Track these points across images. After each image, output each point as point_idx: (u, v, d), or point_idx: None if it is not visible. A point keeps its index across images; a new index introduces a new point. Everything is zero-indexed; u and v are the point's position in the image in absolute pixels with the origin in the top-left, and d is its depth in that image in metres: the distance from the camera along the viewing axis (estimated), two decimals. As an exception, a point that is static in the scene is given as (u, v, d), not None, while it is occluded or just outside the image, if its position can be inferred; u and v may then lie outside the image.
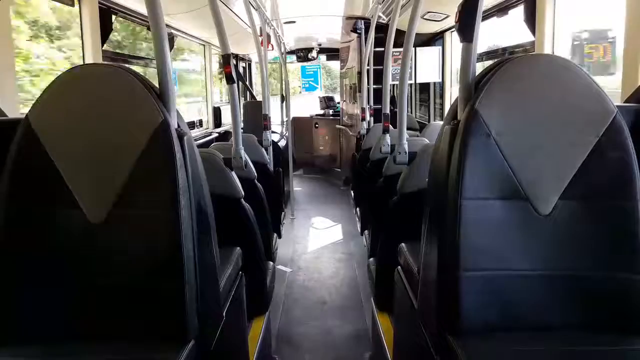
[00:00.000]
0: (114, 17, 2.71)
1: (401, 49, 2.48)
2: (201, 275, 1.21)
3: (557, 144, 1.16)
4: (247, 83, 6.95)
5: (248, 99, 6.55)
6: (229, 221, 1.84)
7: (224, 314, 1.49)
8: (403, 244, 1.79)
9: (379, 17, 4.27)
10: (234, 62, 2.09)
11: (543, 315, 1.16)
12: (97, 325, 1.18)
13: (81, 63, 2.45)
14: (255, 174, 2.61)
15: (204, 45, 5.11)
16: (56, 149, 1.19)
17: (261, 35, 3.97)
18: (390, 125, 2.86)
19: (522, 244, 1.15)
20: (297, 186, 6.71)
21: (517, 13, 2.61)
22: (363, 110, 4.54)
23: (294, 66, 8.57)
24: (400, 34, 2.83)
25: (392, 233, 2.15)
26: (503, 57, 1.32)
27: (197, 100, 5.26)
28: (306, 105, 8.98)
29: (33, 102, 1.22)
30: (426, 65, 4.27)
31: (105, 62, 2.54)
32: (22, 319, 1.17)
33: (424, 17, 3.83)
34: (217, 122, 5.34)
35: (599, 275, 1.15)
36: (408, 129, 2.60)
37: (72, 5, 2.40)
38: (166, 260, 1.16)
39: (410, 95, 5.57)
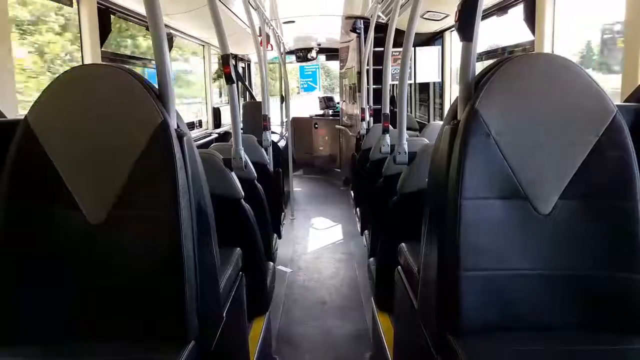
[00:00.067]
0: (112, 17, 2.71)
1: (401, 49, 2.48)
2: (201, 275, 1.21)
3: (557, 144, 1.16)
4: (247, 83, 6.95)
5: (247, 100, 6.55)
6: (229, 222, 1.84)
7: (224, 314, 1.48)
8: (403, 244, 1.79)
9: (379, 16, 4.26)
10: (233, 63, 2.08)
11: (543, 314, 1.16)
12: (97, 325, 1.18)
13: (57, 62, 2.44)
14: (255, 175, 2.61)
15: (203, 45, 5.10)
16: (55, 150, 1.19)
17: (260, 35, 3.96)
18: (390, 125, 2.86)
19: (522, 243, 1.15)
20: (297, 186, 6.70)
21: (517, 12, 2.61)
22: (363, 110, 4.54)
23: (291, 66, 8.55)
24: (399, 33, 2.83)
25: (392, 233, 2.14)
26: (503, 57, 1.31)
27: (193, 101, 5.25)
28: (305, 106, 8.96)
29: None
30: (426, 65, 4.26)
31: (105, 63, 2.54)
32: (22, 319, 1.17)
33: (424, 16, 3.83)
34: (217, 123, 5.34)
35: (599, 274, 1.15)
36: (408, 129, 2.61)
37: (71, 5, 2.40)
38: (166, 261, 1.16)
39: (410, 95, 5.57)
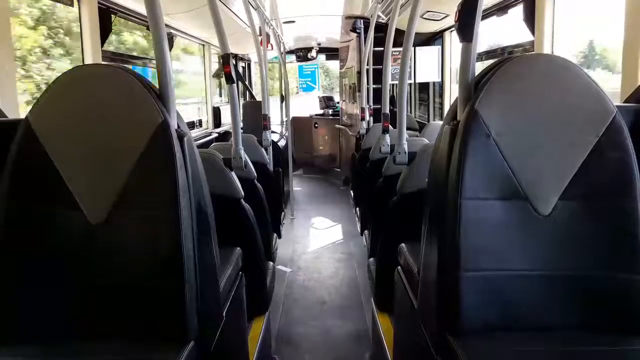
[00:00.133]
0: (113, 17, 2.71)
1: (400, 49, 2.48)
2: (201, 275, 1.21)
3: (556, 144, 1.16)
4: (247, 83, 6.94)
5: (248, 99, 6.55)
6: (229, 221, 1.84)
7: (224, 314, 1.49)
8: (403, 244, 1.79)
9: (379, 16, 4.26)
10: (234, 62, 2.08)
11: (543, 315, 1.16)
12: (97, 325, 1.18)
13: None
14: (255, 174, 2.61)
15: (203, 45, 5.10)
16: (56, 150, 1.19)
17: (260, 34, 3.96)
18: (389, 125, 2.86)
19: (522, 244, 1.15)
20: (297, 186, 6.70)
21: (517, 12, 2.61)
22: (362, 110, 4.54)
23: (290, 66, 8.52)
24: (399, 33, 2.83)
25: (392, 233, 2.15)
26: (502, 57, 1.32)
27: (190, 102, 5.23)
28: (305, 105, 8.95)
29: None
30: (426, 64, 4.26)
31: (105, 63, 2.54)
32: (22, 319, 1.17)
33: (424, 16, 3.83)
34: (217, 122, 5.34)
35: (599, 275, 1.15)
36: (407, 129, 2.60)
37: (72, 5, 2.40)
38: (166, 261, 1.16)
39: (410, 95, 5.57)
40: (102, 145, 1.19)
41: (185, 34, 4.39)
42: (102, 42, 2.53)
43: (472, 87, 1.22)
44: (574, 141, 1.15)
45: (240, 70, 6.70)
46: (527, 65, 1.19)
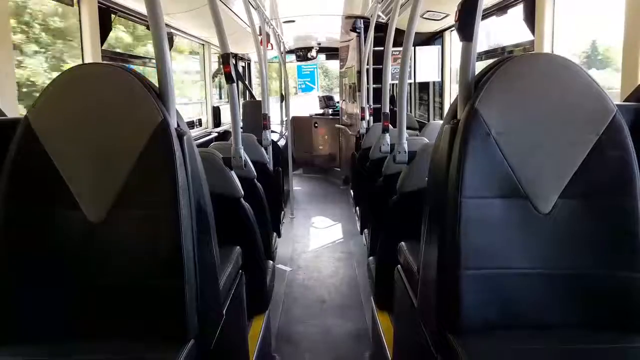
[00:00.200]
0: (113, 16, 2.71)
1: (400, 48, 2.48)
2: (201, 274, 1.21)
3: (557, 143, 1.16)
4: (247, 82, 6.94)
5: (247, 99, 6.55)
6: (229, 220, 1.84)
7: (224, 312, 1.49)
8: (403, 243, 1.79)
9: (379, 16, 4.26)
10: (234, 62, 2.08)
11: (543, 313, 1.16)
12: (97, 324, 1.18)
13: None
14: (255, 174, 2.61)
15: (203, 44, 5.10)
16: (56, 149, 1.19)
17: (260, 34, 3.96)
18: (389, 125, 2.86)
19: (522, 242, 1.15)
20: (297, 185, 6.70)
21: (517, 12, 2.61)
22: (362, 109, 4.54)
23: (288, 66, 8.49)
24: (399, 33, 2.83)
25: (391, 232, 2.15)
26: (502, 56, 1.32)
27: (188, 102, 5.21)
28: (305, 105, 8.94)
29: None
30: (426, 64, 4.26)
31: (105, 62, 2.54)
32: (22, 319, 1.17)
33: (424, 16, 3.83)
34: (217, 122, 5.34)
35: (599, 273, 1.15)
36: (407, 128, 2.60)
37: (72, 5, 2.40)
38: (166, 260, 1.16)
39: (410, 94, 5.57)
40: (102, 144, 1.19)
41: (185, 33, 4.39)
42: (102, 42, 2.53)
43: (472, 86, 1.22)
44: (574, 140, 1.16)
45: (240, 69, 6.69)
46: (527, 65, 1.19)
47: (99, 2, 2.50)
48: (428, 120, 4.79)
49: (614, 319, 1.15)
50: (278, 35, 5.23)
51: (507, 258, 1.15)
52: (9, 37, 1.82)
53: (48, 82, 1.25)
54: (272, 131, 4.52)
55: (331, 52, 7.84)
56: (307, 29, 6.59)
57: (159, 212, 1.15)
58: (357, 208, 4.35)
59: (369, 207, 3.20)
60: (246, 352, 1.94)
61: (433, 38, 4.63)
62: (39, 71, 2.60)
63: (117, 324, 1.18)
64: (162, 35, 1.23)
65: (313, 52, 7.82)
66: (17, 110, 1.81)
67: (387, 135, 2.80)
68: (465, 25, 1.21)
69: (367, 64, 4.47)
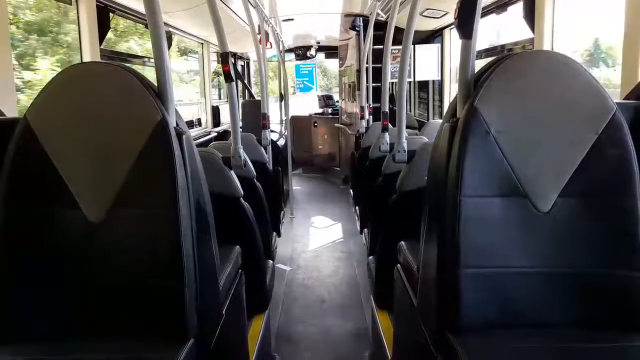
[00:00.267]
0: (111, 15, 2.70)
1: (400, 47, 2.48)
2: (201, 273, 1.21)
3: (556, 141, 1.16)
4: (246, 82, 6.93)
5: (247, 98, 6.54)
6: (229, 220, 1.84)
7: (224, 312, 1.48)
8: (402, 242, 1.79)
9: (378, 14, 4.25)
10: (232, 61, 2.08)
11: (542, 312, 1.16)
12: (97, 324, 1.18)
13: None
14: (255, 173, 2.61)
15: (202, 43, 5.09)
16: (55, 148, 1.18)
17: (259, 33, 3.95)
18: (389, 124, 2.86)
19: (522, 241, 1.15)
20: (296, 185, 6.70)
21: (517, 10, 2.60)
22: (362, 108, 4.54)
23: (287, 65, 8.43)
24: (399, 31, 2.82)
25: (391, 231, 2.15)
26: (502, 54, 1.31)
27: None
28: (304, 105, 8.93)
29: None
30: (425, 62, 4.26)
31: (104, 61, 2.53)
32: (22, 318, 1.17)
33: (423, 14, 3.83)
34: (216, 122, 5.33)
35: (598, 272, 1.15)
36: (407, 127, 2.60)
37: (70, 3, 2.39)
38: (166, 259, 1.16)
39: (409, 93, 5.56)
40: (101, 143, 1.19)
41: (184, 32, 4.38)
42: (101, 41, 2.52)
43: (472, 85, 1.21)
44: (573, 138, 1.15)
45: (240, 69, 6.69)
46: (527, 62, 1.19)
47: (97, 1, 2.49)
48: (427, 119, 4.79)
49: (613, 318, 1.14)
50: (277, 33, 5.22)
51: (506, 257, 1.15)
52: (8, 37, 1.81)
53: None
54: (272, 131, 4.52)
55: (330, 51, 7.83)
56: (306, 27, 6.58)
57: (159, 212, 1.15)
58: (357, 207, 4.34)
59: (369, 206, 3.20)
60: (246, 351, 1.94)
61: (432, 36, 4.62)
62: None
63: (116, 323, 1.18)
64: (161, 34, 1.22)
65: (312, 51, 7.81)
66: (15, 110, 1.81)
67: (387, 135, 2.80)
68: (465, 23, 1.20)
69: (367, 63, 4.46)
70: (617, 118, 1.14)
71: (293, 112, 6.30)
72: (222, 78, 5.08)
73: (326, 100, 8.19)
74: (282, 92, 6.50)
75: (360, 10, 5.06)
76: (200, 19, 3.69)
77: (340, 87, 7.26)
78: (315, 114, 8.06)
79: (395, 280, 1.78)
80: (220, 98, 6.01)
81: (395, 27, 2.85)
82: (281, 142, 5.35)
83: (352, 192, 4.97)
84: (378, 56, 3.61)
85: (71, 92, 1.21)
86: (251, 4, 3.45)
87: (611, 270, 1.14)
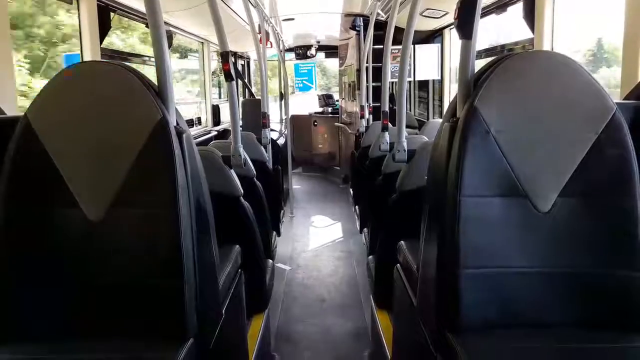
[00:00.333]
0: (112, 14, 2.70)
1: (400, 46, 2.48)
2: (200, 273, 1.21)
3: (556, 141, 1.16)
4: (246, 81, 6.93)
5: (247, 97, 6.54)
6: (228, 219, 1.84)
7: (223, 311, 1.48)
8: (402, 242, 1.79)
9: (378, 14, 4.25)
10: (233, 60, 2.08)
11: (542, 312, 1.16)
12: (97, 323, 1.18)
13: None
14: (254, 172, 2.61)
15: (202, 42, 5.09)
16: (55, 147, 1.18)
17: (260, 32, 3.95)
18: (389, 123, 2.86)
19: (521, 241, 1.15)
20: (296, 184, 6.70)
21: (517, 10, 2.60)
22: (362, 108, 4.53)
23: (286, 64, 8.40)
24: (399, 31, 2.82)
25: (391, 231, 2.15)
26: (502, 54, 1.31)
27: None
28: (304, 104, 8.92)
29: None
30: (425, 62, 4.26)
31: (104, 60, 2.53)
32: (22, 318, 1.17)
33: (423, 14, 3.82)
34: (216, 121, 5.33)
35: (598, 272, 1.15)
36: (407, 126, 2.60)
37: (70, 2, 2.39)
38: (165, 259, 1.16)
39: (409, 92, 5.56)
40: (101, 142, 1.19)
41: (185, 31, 4.38)
42: (101, 40, 2.52)
43: (472, 84, 1.21)
44: (573, 138, 1.15)
45: (240, 68, 6.69)
46: (527, 62, 1.19)
47: (98, 0, 2.49)
48: (427, 119, 4.78)
49: (613, 318, 1.14)
50: (277, 33, 5.22)
51: (506, 257, 1.15)
52: (8, 35, 1.81)
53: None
54: (272, 130, 4.52)
55: (330, 50, 7.83)
56: (307, 27, 6.58)
57: (159, 211, 1.15)
58: (357, 207, 4.34)
59: (369, 205, 3.20)
60: (245, 351, 1.94)
61: (432, 36, 4.62)
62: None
63: (116, 323, 1.18)
64: (161, 34, 1.22)
65: (312, 50, 7.80)
66: (15, 109, 1.81)
67: (387, 134, 2.80)
68: (465, 23, 1.20)
69: (367, 62, 4.46)
70: (617, 118, 1.14)
71: (293, 111, 6.30)
72: (222, 77, 5.10)
73: (326, 100, 8.18)
74: (282, 91, 6.50)
75: (360, 10, 5.06)
76: (200, 18, 3.69)
77: (340, 86, 7.25)
78: (315, 113, 8.05)
79: (395, 279, 1.78)
80: (220, 97, 6.00)
81: (395, 27, 2.85)
82: (281, 141, 5.35)
83: (352, 192, 4.97)
84: (378, 56, 3.61)
85: (71, 91, 1.21)
86: (251, 3, 3.45)
87: (611, 270, 1.14)
